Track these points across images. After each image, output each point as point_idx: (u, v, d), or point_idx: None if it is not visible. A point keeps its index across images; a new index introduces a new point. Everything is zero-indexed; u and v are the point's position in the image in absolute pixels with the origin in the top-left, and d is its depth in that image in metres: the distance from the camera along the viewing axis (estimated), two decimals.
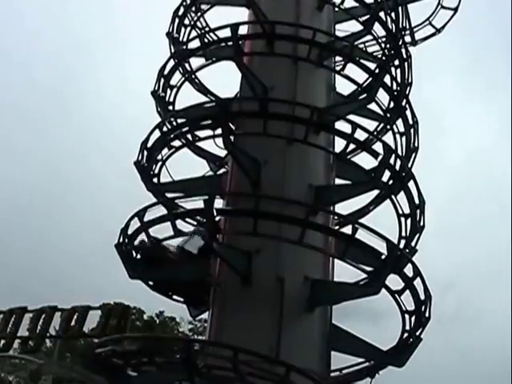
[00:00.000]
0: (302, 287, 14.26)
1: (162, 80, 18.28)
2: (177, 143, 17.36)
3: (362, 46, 20.18)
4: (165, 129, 16.79)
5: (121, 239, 15.13)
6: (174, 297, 16.89)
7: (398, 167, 15.83)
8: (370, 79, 18.13)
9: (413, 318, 14.87)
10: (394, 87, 18.09)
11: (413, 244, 16.56)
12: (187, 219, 15.46)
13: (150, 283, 16.28)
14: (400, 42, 19.51)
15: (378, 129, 18.82)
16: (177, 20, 19.52)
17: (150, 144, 16.67)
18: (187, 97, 18.67)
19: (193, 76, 18.83)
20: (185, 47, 18.90)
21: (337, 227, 15.87)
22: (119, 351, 13.76)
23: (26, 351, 27.19)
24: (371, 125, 18.49)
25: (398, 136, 18.12)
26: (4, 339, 26.95)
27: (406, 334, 15.10)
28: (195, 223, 15.05)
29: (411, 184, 16.07)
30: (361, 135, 16.18)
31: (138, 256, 15.33)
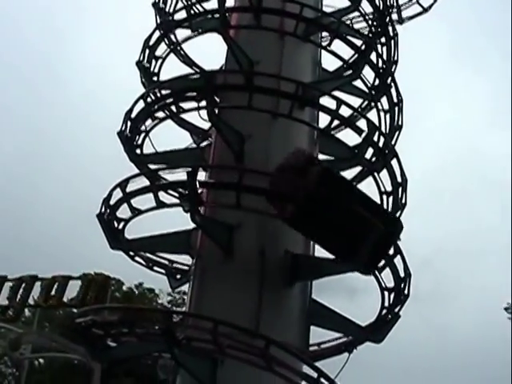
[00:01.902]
0: (283, 261, 14.29)
1: (147, 51, 18.18)
2: (161, 114, 17.32)
3: (348, 22, 20.15)
4: (149, 100, 16.73)
5: (103, 209, 15.11)
6: (155, 268, 17.00)
7: (381, 144, 15.88)
8: (356, 56, 18.15)
9: (392, 295, 14.98)
10: (380, 65, 18.11)
11: None
12: (170, 191, 15.42)
13: (131, 253, 16.35)
14: (387, 20, 19.48)
15: (363, 106, 18.85)
16: None
17: (133, 115, 16.63)
18: (172, 68, 18.58)
19: (178, 47, 18.71)
20: (171, 18, 18.76)
21: None
22: (99, 321, 13.75)
23: (6, 320, 27.13)
24: (356, 101, 18.54)
25: (382, 113, 18.11)
26: None
27: (384, 311, 15.21)
28: (177, 195, 15.00)
29: (394, 162, 16.14)
30: (345, 111, 16.26)
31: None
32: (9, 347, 29.14)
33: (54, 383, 41.90)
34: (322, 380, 12.52)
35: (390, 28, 19.02)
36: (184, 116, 17.69)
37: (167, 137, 18.85)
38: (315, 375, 12.55)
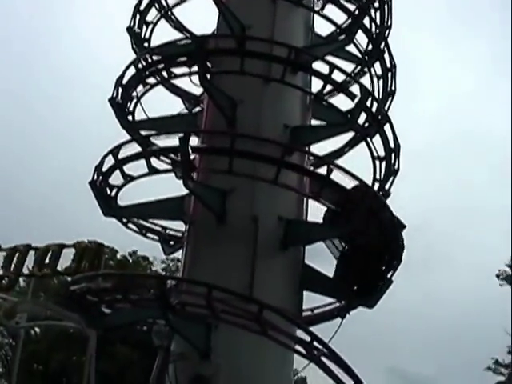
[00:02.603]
0: (275, 227, 14.29)
1: (138, 16, 18.03)
2: (152, 80, 17.23)
3: None
4: (140, 66, 16.60)
5: (95, 176, 15.04)
6: (148, 235, 16.99)
7: (374, 110, 15.84)
8: (349, 21, 18.00)
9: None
10: (373, 30, 17.98)
11: (386, 187, 16.67)
12: (162, 157, 15.38)
13: (124, 221, 16.31)
14: None
15: (356, 71, 18.73)
16: None
17: (125, 81, 16.53)
18: (163, 34, 18.42)
19: (169, 13, 18.55)
20: None
21: (312, 168, 15.87)
22: (94, 288, 13.79)
23: (0, 290, 27.03)
24: (349, 67, 18.42)
25: (375, 79, 18.04)
26: None
27: None
28: (170, 161, 14.96)
29: (387, 127, 16.11)
30: (338, 77, 16.18)
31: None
32: (4, 316, 29.07)
33: (50, 352, 42.14)
34: (316, 344, 12.55)
35: None
36: (176, 82, 17.62)
37: (159, 103, 18.74)
38: (309, 339, 12.59)
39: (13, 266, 25.90)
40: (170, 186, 15.46)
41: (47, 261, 24.72)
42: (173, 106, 17.99)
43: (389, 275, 15.03)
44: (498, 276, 41.61)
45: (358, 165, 16.75)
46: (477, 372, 40.64)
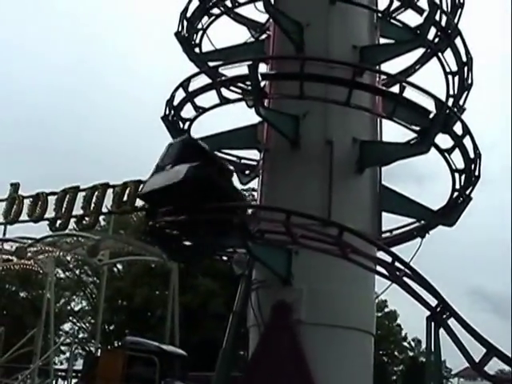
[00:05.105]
0: (350, 149, 14.13)
1: None
2: (216, 11, 17.08)
3: None
4: None
5: (167, 111, 15.11)
6: None
7: (443, 23, 15.37)
8: None
9: (462, 177, 14.76)
10: None
11: (461, 102, 16.29)
12: (232, 87, 15.30)
13: None
14: None
15: None
16: None
17: (189, 14, 16.45)
18: None
19: None
20: None
21: (383, 88, 15.56)
22: (172, 221, 13.90)
23: (82, 229, 27.71)
24: None
25: None
26: (60, 219, 27.45)
27: (455, 194, 15.04)
28: (240, 90, 14.85)
29: (458, 41, 15.65)
30: None
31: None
32: (87, 254, 29.95)
33: (133, 287, 43.27)
34: (398, 264, 12.49)
35: None
36: (240, 11, 17.39)
37: (225, 34, 18.58)
38: (390, 260, 12.54)
39: (92, 205, 26.51)
40: (242, 117, 15.43)
41: (125, 198, 25.19)
42: (239, 35, 17.81)
43: (468, 192, 14.83)
44: None
45: (429, 83, 16.39)
46: None
